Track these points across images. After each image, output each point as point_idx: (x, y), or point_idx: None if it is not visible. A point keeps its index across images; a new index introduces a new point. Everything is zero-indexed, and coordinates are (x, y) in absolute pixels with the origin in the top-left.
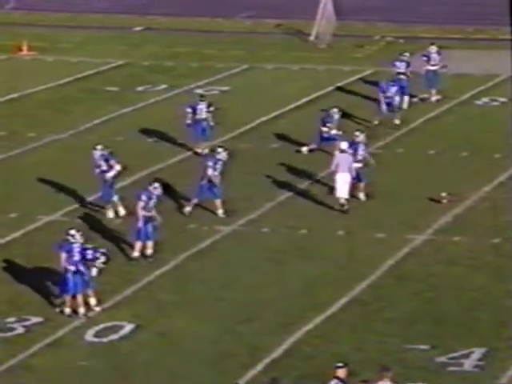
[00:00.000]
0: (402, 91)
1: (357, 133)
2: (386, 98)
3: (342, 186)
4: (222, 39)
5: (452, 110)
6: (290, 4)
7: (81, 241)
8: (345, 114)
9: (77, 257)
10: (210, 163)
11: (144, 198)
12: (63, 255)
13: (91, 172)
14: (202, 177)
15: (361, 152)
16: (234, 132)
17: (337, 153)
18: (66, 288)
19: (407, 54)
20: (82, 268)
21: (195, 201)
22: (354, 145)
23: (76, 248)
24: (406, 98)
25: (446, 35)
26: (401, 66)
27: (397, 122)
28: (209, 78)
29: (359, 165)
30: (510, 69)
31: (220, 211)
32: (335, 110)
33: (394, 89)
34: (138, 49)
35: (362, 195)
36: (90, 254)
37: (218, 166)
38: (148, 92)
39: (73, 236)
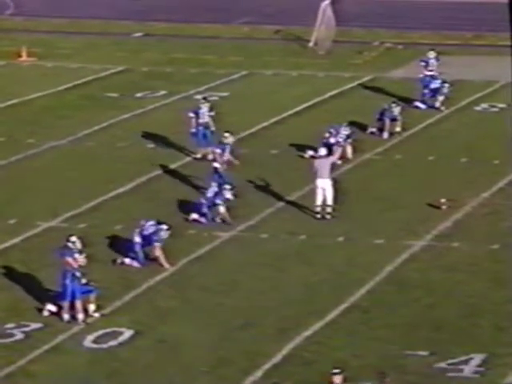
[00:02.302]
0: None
1: (226, 134)
2: (393, 120)
3: (322, 192)
4: (220, 45)
5: (451, 116)
6: (288, 10)
7: (80, 248)
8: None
9: (75, 264)
10: (219, 201)
11: (157, 238)
12: (63, 261)
13: (90, 179)
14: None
15: (227, 153)
16: (234, 138)
17: (315, 159)
18: (64, 294)
19: (433, 53)
20: (79, 274)
21: (203, 220)
22: (222, 146)
23: (75, 255)
24: (441, 98)
25: (445, 41)
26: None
27: (398, 129)
28: (208, 83)
29: (224, 166)
30: (511, 74)
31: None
32: (344, 124)
33: (396, 109)
34: (137, 55)
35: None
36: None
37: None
38: (147, 98)
39: (73, 243)
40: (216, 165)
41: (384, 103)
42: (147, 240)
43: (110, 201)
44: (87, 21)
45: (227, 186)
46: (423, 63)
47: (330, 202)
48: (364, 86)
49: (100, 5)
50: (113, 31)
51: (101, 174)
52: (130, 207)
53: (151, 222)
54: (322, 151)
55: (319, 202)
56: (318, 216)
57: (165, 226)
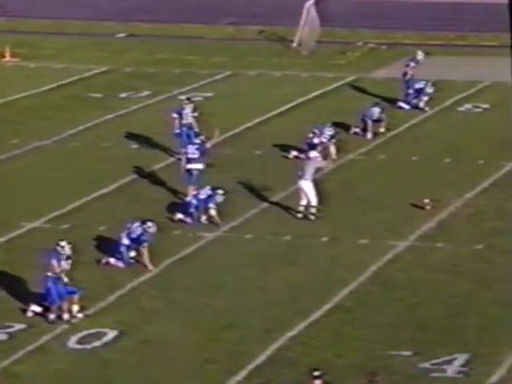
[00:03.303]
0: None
1: (202, 137)
2: (375, 121)
3: (304, 194)
4: (204, 46)
5: (434, 116)
6: (272, 11)
7: (69, 254)
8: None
9: (58, 269)
10: (211, 205)
11: (147, 238)
12: (50, 264)
13: (74, 179)
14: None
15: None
16: (218, 138)
17: (304, 160)
18: (52, 298)
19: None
20: (64, 277)
21: (188, 220)
22: (198, 147)
23: (61, 259)
24: (425, 98)
25: (428, 41)
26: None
27: (382, 130)
28: (192, 84)
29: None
30: (511, 74)
31: (204, 217)
32: (328, 124)
33: (376, 110)
34: (120, 55)
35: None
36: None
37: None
38: (131, 98)
39: (62, 248)
40: (190, 166)
41: (367, 103)
42: (135, 242)
43: (94, 201)
44: (71, 21)
45: (220, 191)
46: (413, 63)
47: (313, 203)
48: (348, 86)
49: (83, 5)
50: (96, 32)
51: (85, 175)
52: (115, 208)
53: (137, 224)
54: (313, 153)
55: (304, 202)
56: (300, 215)
57: (150, 223)
